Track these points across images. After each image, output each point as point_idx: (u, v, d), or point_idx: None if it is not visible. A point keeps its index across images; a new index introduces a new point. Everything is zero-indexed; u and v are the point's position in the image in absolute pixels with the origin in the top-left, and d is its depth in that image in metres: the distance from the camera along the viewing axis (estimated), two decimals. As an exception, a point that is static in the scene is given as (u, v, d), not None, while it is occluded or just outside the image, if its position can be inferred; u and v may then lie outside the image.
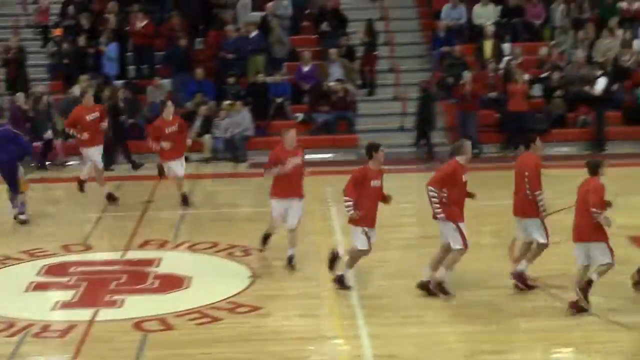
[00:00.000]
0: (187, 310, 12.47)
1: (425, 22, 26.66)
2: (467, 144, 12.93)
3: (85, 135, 17.98)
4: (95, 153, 18.25)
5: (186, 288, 13.58)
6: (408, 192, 18.72)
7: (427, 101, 22.70)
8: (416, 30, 26.86)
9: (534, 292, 12.87)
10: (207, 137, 22.80)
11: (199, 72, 23.86)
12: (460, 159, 12.72)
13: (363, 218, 12.69)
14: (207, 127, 23.01)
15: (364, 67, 25.03)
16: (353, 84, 24.26)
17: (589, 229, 11.91)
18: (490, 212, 16.32)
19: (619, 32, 24.63)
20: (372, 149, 12.87)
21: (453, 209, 12.51)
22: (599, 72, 23.28)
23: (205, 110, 23.25)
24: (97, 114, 18.30)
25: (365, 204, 12.66)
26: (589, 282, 12.03)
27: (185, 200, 17.86)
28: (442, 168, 12.89)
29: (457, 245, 12.57)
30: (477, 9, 25.63)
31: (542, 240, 12.76)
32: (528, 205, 12.73)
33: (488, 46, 24.52)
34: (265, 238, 14.43)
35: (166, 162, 17.81)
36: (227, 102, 23.26)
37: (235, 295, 13.12)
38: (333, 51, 24.35)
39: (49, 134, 22.42)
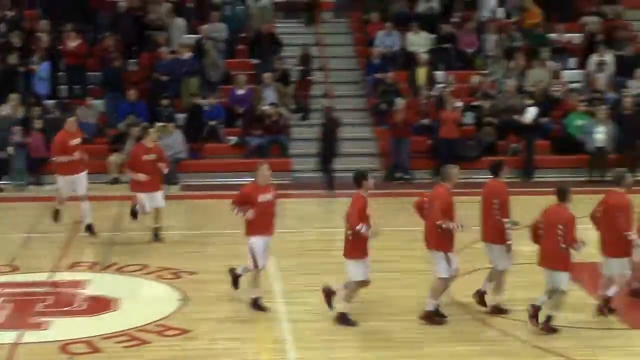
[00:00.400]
0: (114, 332, 12.36)
1: (360, 49, 26.85)
2: (453, 170, 13.09)
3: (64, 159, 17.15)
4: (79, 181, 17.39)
5: (114, 310, 13.46)
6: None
7: (330, 127, 22.72)
8: (350, 56, 27.04)
9: (472, 319, 13.01)
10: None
11: (132, 93, 23.73)
12: (446, 185, 12.89)
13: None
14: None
15: (298, 91, 25.11)
16: (287, 108, 24.31)
17: (555, 255, 12.28)
18: (421, 237, 16.40)
19: (549, 63, 25.04)
20: (362, 176, 12.82)
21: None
22: (529, 102, 23.64)
23: (138, 131, 23.09)
24: (79, 140, 17.53)
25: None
26: (537, 308, 12.42)
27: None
28: (437, 200, 12.76)
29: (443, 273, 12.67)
30: (411, 36, 25.88)
31: (501, 268, 12.99)
32: (498, 232, 12.95)
33: (421, 73, 24.76)
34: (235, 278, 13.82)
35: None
36: (160, 124, 23.13)
37: (164, 318, 13.04)
38: (267, 75, 24.38)
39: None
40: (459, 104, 23.70)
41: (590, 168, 22.67)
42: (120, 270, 15.48)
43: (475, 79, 24.87)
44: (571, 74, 25.58)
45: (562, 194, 12.41)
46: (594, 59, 25.14)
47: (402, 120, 22.95)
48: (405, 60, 25.64)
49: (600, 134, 22.79)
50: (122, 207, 18.55)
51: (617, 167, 21.86)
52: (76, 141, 17.41)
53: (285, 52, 25.97)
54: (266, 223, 13.27)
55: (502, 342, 12.28)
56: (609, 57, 25.11)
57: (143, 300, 14.13)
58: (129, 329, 12.49)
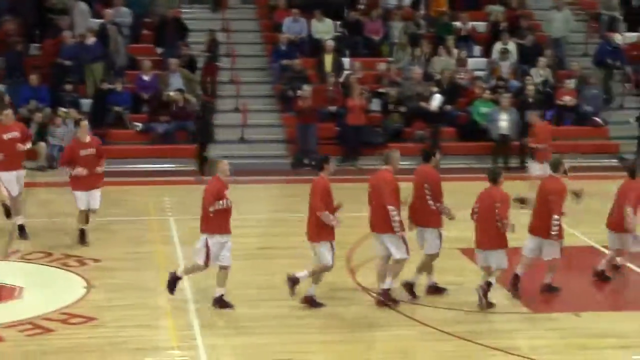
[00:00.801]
0: (17, 321, 12.14)
1: (267, 35, 26.78)
2: (396, 154, 13.28)
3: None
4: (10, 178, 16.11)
5: (17, 298, 13.22)
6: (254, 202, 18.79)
7: (205, 113, 22.73)
8: (257, 42, 26.94)
9: (375, 304, 13.11)
10: (42, 145, 22.19)
11: (34, 77, 23.26)
12: (390, 168, 13.05)
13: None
14: (42, 134, 22.43)
15: (204, 77, 24.92)
16: (194, 95, 24.12)
17: (491, 237, 12.81)
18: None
19: (455, 51, 25.32)
20: (323, 161, 13.12)
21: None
22: (435, 89, 23.87)
23: (41, 117, 22.69)
24: (16, 133, 16.22)
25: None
26: (489, 284, 12.90)
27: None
28: (383, 183, 12.90)
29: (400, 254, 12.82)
30: (315, 23, 25.89)
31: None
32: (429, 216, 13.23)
33: (328, 60, 24.79)
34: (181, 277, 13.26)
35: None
36: (63, 109, 22.75)
37: (69, 305, 12.85)
38: (173, 61, 24.14)
39: None
40: (366, 90, 23.79)
41: (494, 155, 22.99)
42: (23, 258, 15.19)
43: (381, 66, 25.02)
44: (476, 62, 25.90)
45: (494, 176, 12.98)
46: (498, 47, 25.51)
47: (309, 106, 22.97)
48: (312, 47, 25.65)
49: (504, 122, 23.13)
50: (26, 194, 18.20)
51: (520, 154, 22.46)
52: (11, 135, 16.17)
53: (192, 37, 25.74)
54: (228, 220, 12.91)
55: (412, 326, 12.40)
56: (512, 46, 25.50)
57: (47, 288, 13.88)
58: (32, 317, 12.27)
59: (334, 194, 12.88)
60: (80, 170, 15.59)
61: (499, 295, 13.36)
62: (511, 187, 17.26)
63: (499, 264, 12.98)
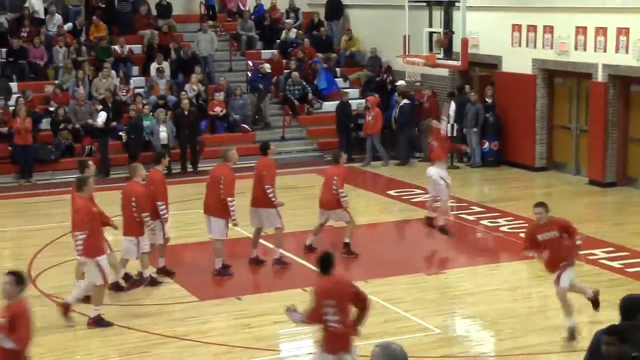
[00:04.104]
0: None
1: None
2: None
3: None
4: None
5: None
6: None
7: None
8: None
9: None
10: None
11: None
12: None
13: None
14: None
15: None
16: None
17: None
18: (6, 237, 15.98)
19: (113, 72, 25.19)
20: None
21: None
22: (100, 107, 23.64)
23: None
24: None
25: None
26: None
27: None
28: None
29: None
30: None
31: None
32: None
33: (-7, 86, 23.83)
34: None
35: None
36: None
37: None
38: None
39: None
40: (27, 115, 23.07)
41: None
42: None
43: (48, 88, 24.43)
44: (136, 81, 25.90)
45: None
46: (154, 66, 25.67)
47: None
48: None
49: (163, 133, 23.31)
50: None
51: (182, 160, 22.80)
52: None
53: None
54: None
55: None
56: (165, 64, 25.76)
57: None
58: None
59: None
60: None
61: (174, 288, 13.60)
62: (175, 190, 17.68)
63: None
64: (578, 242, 11.65)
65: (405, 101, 24.36)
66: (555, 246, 11.48)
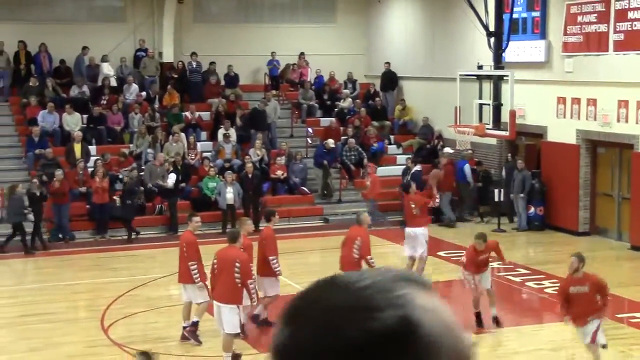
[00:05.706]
0: None
1: (21, 128, 26.12)
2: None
3: None
4: None
5: None
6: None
7: None
8: (13, 135, 26.22)
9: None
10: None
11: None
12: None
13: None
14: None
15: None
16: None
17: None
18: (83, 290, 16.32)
19: (183, 136, 25.78)
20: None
21: None
22: (170, 169, 24.15)
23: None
24: None
25: None
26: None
27: None
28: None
29: None
30: (65, 117, 25.63)
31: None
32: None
33: (77, 148, 24.51)
34: None
35: None
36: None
37: None
38: None
39: None
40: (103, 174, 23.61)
41: (223, 222, 23.48)
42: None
43: (124, 151, 25.05)
44: (203, 145, 26.44)
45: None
46: (221, 132, 26.19)
47: (60, 188, 22.53)
48: (63, 137, 25.31)
49: (229, 194, 23.71)
50: None
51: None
52: None
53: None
54: None
55: None
56: (232, 131, 26.27)
57: None
58: None
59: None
60: None
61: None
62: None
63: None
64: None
65: (417, 168, 24.41)
66: (584, 301, 11.41)
